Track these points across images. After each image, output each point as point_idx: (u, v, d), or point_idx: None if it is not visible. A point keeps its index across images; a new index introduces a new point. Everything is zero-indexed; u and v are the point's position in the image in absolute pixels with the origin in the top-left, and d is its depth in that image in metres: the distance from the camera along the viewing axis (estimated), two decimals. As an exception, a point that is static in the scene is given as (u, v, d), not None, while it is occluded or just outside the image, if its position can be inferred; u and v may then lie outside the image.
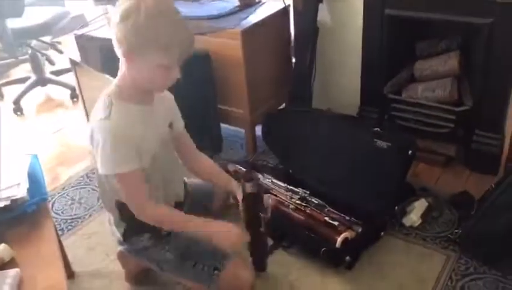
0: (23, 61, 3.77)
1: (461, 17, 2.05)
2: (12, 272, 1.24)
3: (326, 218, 1.86)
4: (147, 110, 1.48)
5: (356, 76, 2.47)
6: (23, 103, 3.33)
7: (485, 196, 1.88)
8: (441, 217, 2.01)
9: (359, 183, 1.98)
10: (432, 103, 2.25)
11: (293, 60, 2.61)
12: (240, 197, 1.63)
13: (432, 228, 1.96)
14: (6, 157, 1.65)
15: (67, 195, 2.37)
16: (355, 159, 2.06)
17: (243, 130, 2.56)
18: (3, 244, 1.32)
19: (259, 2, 2.52)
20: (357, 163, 2.04)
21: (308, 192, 2.01)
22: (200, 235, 1.53)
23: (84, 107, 2.61)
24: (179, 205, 1.70)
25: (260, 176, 2.15)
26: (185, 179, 1.83)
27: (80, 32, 2.56)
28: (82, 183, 2.45)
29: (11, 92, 3.46)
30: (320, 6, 2.44)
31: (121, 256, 1.81)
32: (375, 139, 1.99)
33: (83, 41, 2.53)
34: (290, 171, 2.27)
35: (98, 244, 2.03)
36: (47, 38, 3.63)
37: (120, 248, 1.70)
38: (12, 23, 3.11)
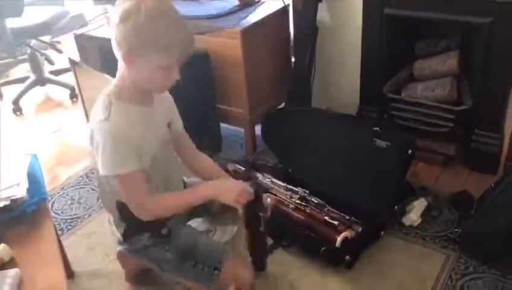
0: (23, 61, 3.77)
1: (460, 17, 2.05)
2: (12, 272, 1.24)
3: (326, 217, 1.86)
4: (147, 111, 1.48)
5: (355, 75, 2.47)
6: (22, 102, 3.33)
7: (484, 195, 1.88)
8: (440, 216, 2.01)
9: (359, 182, 1.98)
10: (432, 102, 2.25)
11: (293, 60, 2.62)
12: None
13: (431, 227, 1.97)
14: (6, 158, 1.64)
15: (66, 195, 2.37)
16: (354, 158, 2.06)
17: (242, 130, 2.56)
18: (3, 244, 1.32)
19: (259, 1, 2.52)
20: (356, 162, 2.05)
21: (307, 191, 2.01)
22: (202, 198, 1.51)
23: (84, 107, 2.61)
24: None
25: (260, 175, 2.15)
26: (185, 178, 1.84)
27: (79, 31, 2.56)
28: (81, 183, 2.45)
29: (10, 91, 3.45)
30: (320, 5, 2.44)
31: (120, 256, 1.81)
32: (375, 139, 1.99)
33: (82, 41, 2.53)
34: (290, 170, 2.27)
35: (97, 244, 2.03)
36: (46, 38, 3.63)
37: (120, 247, 1.70)
38: (12, 23, 3.11)
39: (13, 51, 3.35)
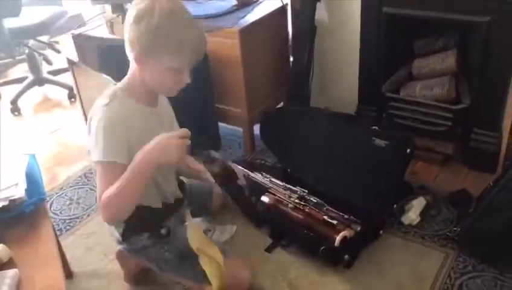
0: (21, 61, 3.76)
1: (459, 16, 2.05)
2: (11, 272, 1.24)
3: (325, 217, 1.86)
4: (149, 111, 1.48)
5: (354, 75, 2.47)
6: (20, 102, 3.33)
7: (483, 194, 1.88)
8: (439, 215, 2.01)
9: (357, 181, 1.98)
10: (430, 101, 2.25)
11: (291, 59, 2.62)
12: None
13: (430, 226, 1.97)
14: (4, 158, 1.64)
15: (65, 195, 2.37)
16: (353, 157, 2.06)
17: (240, 129, 2.56)
18: (1, 245, 1.32)
19: (257, 1, 2.51)
20: (355, 162, 2.04)
21: (306, 191, 2.01)
22: (147, 175, 1.34)
23: (82, 107, 2.60)
24: (178, 201, 1.71)
25: (259, 175, 2.15)
26: (184, 179, 1.84)
27: (77, 31, 2.55)
28: (80, 183, 2.44)
29: (9, 92, 3.45)
30: (318, 5, 2.44)
31: (119, 256, 1.81)
32: (373, 138, 1.99)
33: (81, 41, 2.52)
34: (288, 170, 2.27)
35: (96, 244, 2.03)
36: (44, 38, 3.62)
37: (119, 247, 1.70)
38: (10, 23, 3.10)
39: (11, 51, 3.34)
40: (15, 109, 3.29)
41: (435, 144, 2.32)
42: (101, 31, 2.45)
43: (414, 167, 2.30)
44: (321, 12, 2.50)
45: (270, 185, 2.08)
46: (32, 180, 1.56)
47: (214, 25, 2.28)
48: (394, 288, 1.72)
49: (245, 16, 2.35)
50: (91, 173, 2.46)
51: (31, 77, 3.44)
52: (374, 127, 2.06)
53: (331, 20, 2.54)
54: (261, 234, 1.99)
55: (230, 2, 2.48)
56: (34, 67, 3.45)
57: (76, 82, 2.56)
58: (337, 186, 2.00)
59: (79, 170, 2.55)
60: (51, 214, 2.17)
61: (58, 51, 3.72)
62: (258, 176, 2.14)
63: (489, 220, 1.76)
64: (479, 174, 2.20)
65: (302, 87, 2.54)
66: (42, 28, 3.30)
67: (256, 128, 2.49)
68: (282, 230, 1.96)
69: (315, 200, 1.95)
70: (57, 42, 3.71)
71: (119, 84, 1.46)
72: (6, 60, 3.86)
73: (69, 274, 1.85)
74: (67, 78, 3.36)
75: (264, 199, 2.00)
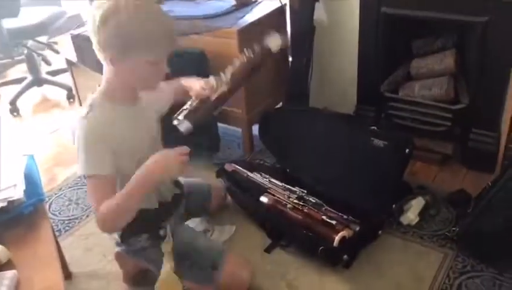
0: (19, 61, 3.76)
1: (457, 16, 2.05)
2: (10, 273, 1.24)
3: (324, 217, 1.86)
4: (132, 110, 1.47)
5: (353, 74, 2.47)
6: (19, 103, 3.33)
7: (481, 194, 1.88)
8: (438, 215, 2.02)
9: (356, 182, 1.98)
10: (429, 101, 2.25)
11: (290, 59, 2.61)
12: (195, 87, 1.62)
13: (429, 226, 1.97)
14: (3, 159, 1.64)
15: (64, 196, 2.37)
16: (352, 158, 2.06)
17: (239, 130, 2.56)
18: (0, 246, 1.32)
19: (256, 1, 2.51)
20: (354, 162, 2.05)
21: (305, 191, 2.01)
22: (147, 190, 1.37)
23: (81, 107, 2.60)
24: (177, 197, 1.70)
25: (257, 175, 2.15)
26: (181, 179, 1.84)
27: (76, 32, 2.55)
28: (79, 184, 2.44)
29: (7, 92, 3.44)
30: (317, 5, 2.44)
31: (118, 257, 1.81)
32: (372, 138, 1.99)
33: (79, 41, 2.52)
34: (287, 170, 2.27)
35: (95, 245, 2.03)
36: (43, 39, 3.62)
37: (118, 248, 1.70)
38: (8, 23, 3.10)
39: (10, 52, 3.34)
40: (14, 110, 3.29)
41: (433, 144, 2.32)
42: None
43: (413, 167, 2.30)
44: (320, 13, 2.50)
45: (269, 185, 2.08)
46: (31, 181, 1.56)
47: (212, 25, 2.27)
48: (393, 288, 1.72)
49: (244, 16, 2.35)
50: (90, 174, 2.46)
51: (29, 78, 3.44)
52: (373, 127, 2.06)
53: (329, 20, 2.54)
54: (260, 234, 1.99)
55: (229, 2, 2.48)
56: (33, 68, 3.45)
57: (75, 82, 2.56)
58: (336, 187, 2.00)
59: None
60: (49, 215, 2.17)
61: (57, 52, 3.73)
62: (257, 176, 2.14)
63: (488, 220, 1.76)
64: (477, 174, 2.21)
65: (301, 87, 2.54)
66: (41, 28, 3.31)
67: (255, 129, 2.49)
68: (281, 230, 1.96)
69: (314, 201, 1.95)
70: (55, 43, 3.72)
71: (98, 90, 1.44)
72: (5, 61, 3.86)
73: (68, 275, 1.85)
74: (66, 78, 3.37)
75: (263, 199, 2.00)
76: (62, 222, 2.19)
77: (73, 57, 2.55)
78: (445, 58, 2.23)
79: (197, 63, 2.21)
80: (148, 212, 1.55)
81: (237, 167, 2.20)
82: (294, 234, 1.91)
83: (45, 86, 3.52)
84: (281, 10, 2.48)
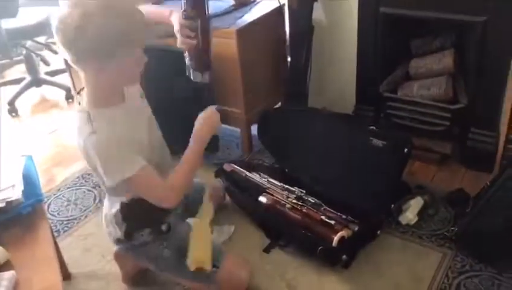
0: (18, 62, 3.76)
1: (455, 15, 2.05)
2: (8, 274, 1.24)
3: (323, 217, 1.86)
4: (124, 106, 1.46)
5: (352, 74, 2.47)
6: (18, 103, 3.32)
7: (480, 193, 1.88)
8: (436, 214, 2.02)
9: (355, 181, 1.99)
10: (427, 101, 2.25)
11: (289, 59, 2.61)
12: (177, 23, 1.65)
13: (428, 225, 1.97)
14: (2, 159, 1.64)
15: (63, 196, 2.37)
16: (351, 157, 2.06)
17: (238, 130, 2.56)
18: (-2, 247, 1.32)
19: (254, 1, 2.51)
20: (353, 162, 2.05)
21: (304, 191, 2.01)
22: (203, 146, 1.57)
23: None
24: None
25: (256, 175, 2.15)
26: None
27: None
28: (78, 184, 2.44)
29: (6, 93, 3.44)
30: (315, 5, 2.44)
31: (118, 257, 1.81)
32: (371, 138, 1.99)
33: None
34: (286, 170, 2.26)
35: (94, 245, 2.02)
36: (42, 39, 3.62)
37: (117, 247, 1.70)
38: (7, 24, 3.10)
39: (8, 52, 3.33)
40: (12, 110, 3.29)
41: (432, 143, 2.32)
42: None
43: (412, 166, 2.30)
44: (318, 13, 2.50)
45: (268, 185, 2.08)
46: (29, 182, 1.56)
47: (211, 25, 2.27)
48: (392, 288, 1.72)
49: (242, 16, 2.35)
50: (88, 174, 2.46)
51: (28, 78, 3.43)
52: (372, 127, 2.06)
53: (328, 20, 2.54)
54: (259, 234, 1.99)
55: (227, 2, 2.48)
56: (32, 68, 3.44)
57: (73, 83, 2.56)
58: (334, 187, 2.00)
59: (77, 171, 2.54)
60: (48, 216, 2.17)
61: (56, 52, 3.72)
62: (255, 176, 2.14)
63: (486, 219, 1.77)
64: (476, 173, 2.21)
65: (300, 87, 2.54)
66: (39, 28, 3.30)
67: (254, 129, 2.49)
68: (280, 230, 1.96)
69: (313, 201, 1.95)
70: (54, 43, 3.69)
71: (84, 105, 1.42)
72: (3, 61, 3.85)
73: (66, 276, 1.85)
74: (64, 78, 3.37)
75: (262, 199, 2.00)
76: (61, 222, 2.18)
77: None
78: (443, 58, 2.23)
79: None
80: (151, 204, 1.56)
81: (236, 167, 2.20)
82: (293, 234, 1.91)
83: (44, 87, 3.51)
84: (279, 10, 2.48)
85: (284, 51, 2.63)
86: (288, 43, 2.61)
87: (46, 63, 3.83)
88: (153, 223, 1.60)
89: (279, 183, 2.08)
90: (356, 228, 1.81)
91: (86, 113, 1.39)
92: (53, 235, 1.65)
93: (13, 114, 3.29)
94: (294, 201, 1.96)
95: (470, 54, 2.19)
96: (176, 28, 1.66)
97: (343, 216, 1.86)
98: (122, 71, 1.36)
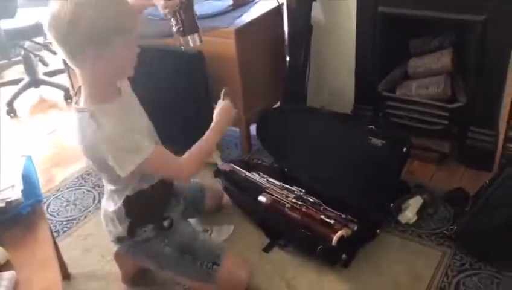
0: (16, 62, 3.75)
1: (454, 15, 2.06)
2: (8, 274, 1.24)
3: (322, 216, 1.86)
4: (121, 100, 1.46)
5: (350, 74, 2.48)
6: (16, 104, 3.32)
7: (479, 192, 1.89)
8: (436, 213, 2.02)
9: (354, 181, 1.99)
10: (426, 100, 2.26)
11: (287, 59, 2.62)
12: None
13: (427, 224, 1.97)
14: (1, 160, 1.64)
15: (62, 196, 2.36)
16: (350, 157, 2.07)
17: (237, 129, 2.56)
18: (-2, 247, 1.32)
19: (253, 0, 2.51)
20: (351, 161, 2.05)
21: (303, 190, 2.01)
22: (220, 137, 1.67)
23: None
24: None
25: (256, 174, 2.15)
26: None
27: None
28: (77, 185, 2.44)
29: (5, 93, 3.44)
30: (314, 4, 2.44)
31: (117, 257, 1.81)
32: (370, 137, 1.99)
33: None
34: (285, 169, 2.27)
35: (93, 245, 2.02)
36: (40, 39, 3.61)
37: (117, 247, 1.70)
38: (5, 24, 3.09)
39: (7, 53, 3.32)
40: (11, 111, 3.28)
41: (431, 142, 2.32)
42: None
43: (411, 166, 2.31)
44: (317, 12, 2.50)
45: (267, 185, 2.08)
46: (29, 182, 1.56)
47: (210, 25, 2.27)
48: (391, 287, 1.72)
49: (241, 15, 2.35)
50: (88, 175, 2.46)
51: (26, 79, 3.43)
52: (371, 126, 2.07)
53: (327, 19, 2.54)
54: (259, 234, 1.99)
55: (226, 2, 2.48)
56: (30, 69, 3.44)
57: (72, 83, 2.56)
58: (334, 186, 2.00)
59: (76, 171, 2.54)
60: (47, 216, 2.17)
61: (54, 52, 3.70)
62: (255, 176, 2.14)
63: (485, 218, 1.77)
64: (475, 172, 2.21)
65: (299, 86, 2.54)
66: (38, 29, 3.28)
67: (253, 128, 2.49)
68: (280, 230, 1.96)
69: (312, 200, 1.95)
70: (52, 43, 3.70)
71: (86, 100, 1.41)
72: (1, 62, 3.84)
73: (66, 276, 1.85)
74: (63, 79, 3.36)
75: (261, 198, 2.00)
76: (60, 222, 2.18)
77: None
78: (442, 57, 2.23)
79: (194, 63, 2.21)
80: (152, 196, 1.58)
81: (235, 166, 2.21)
82: (292, 234, 1.91)
83: (42, 87, 3.51)
84: (278, 10, 2.48)
85: (282, 51, 2.63)
86: (286, 42, 2.61)
87: (45, 64, 3.83)
88: (156, 218, 1.61)
89: (278, 183, 2.08)
90: (355, 227, 1.81)
91: (87, 111, 1.38)
92: (52, 236, 1.65)
93: (12, 115, 3.28)
94: (293, 200, 1.96)
95: (469, 53, 2.19)
96: None
97: (343, 215, 1.86)
98: (119, 60, 1.36)
